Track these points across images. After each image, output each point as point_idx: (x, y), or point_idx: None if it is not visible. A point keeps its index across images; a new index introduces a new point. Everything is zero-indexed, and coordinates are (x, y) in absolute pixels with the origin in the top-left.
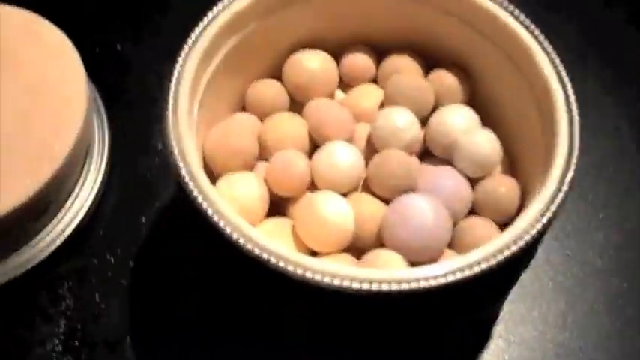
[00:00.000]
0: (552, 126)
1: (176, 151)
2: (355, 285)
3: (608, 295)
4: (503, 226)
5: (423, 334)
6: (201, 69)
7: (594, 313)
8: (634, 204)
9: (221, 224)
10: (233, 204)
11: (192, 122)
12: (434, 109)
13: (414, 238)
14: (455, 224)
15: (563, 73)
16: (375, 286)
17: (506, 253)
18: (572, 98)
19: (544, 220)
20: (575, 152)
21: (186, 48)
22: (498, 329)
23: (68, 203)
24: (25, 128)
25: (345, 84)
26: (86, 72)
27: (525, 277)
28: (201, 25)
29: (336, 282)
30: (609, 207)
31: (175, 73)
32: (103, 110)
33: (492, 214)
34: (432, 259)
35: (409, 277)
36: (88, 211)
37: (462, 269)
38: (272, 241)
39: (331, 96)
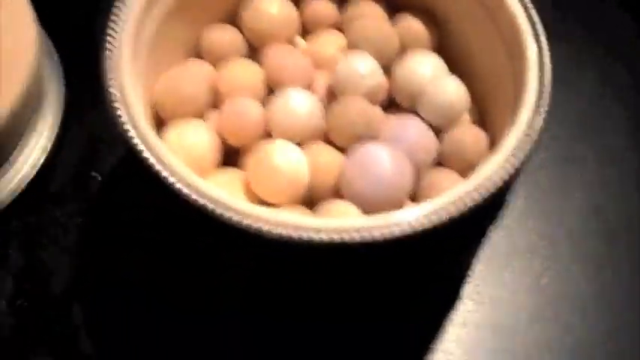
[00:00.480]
0: (522, 75)
1: (115, 96)
2: (306, 235)
3: (585, 256)
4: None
5: (383, 296)
6: (148, 11)
7: (570, 275)
8: (614, 162)
9: (164, 174)
10: (182, 153)
11: (139, 68)
12: (400, 57)
13: (372, 188)
14: (419, 175)
15: (536, 18)
16: (326, 236)
17: (469, 201)
18: (544, 43)
19: (510, 167)
20: (546, 98)
21: None
22: (467, 290)
23: (16, 157)
24: None
25: (305, 30)
26: (37, 17)
27: (496, 236)
28: None
29: (286, 232)
30: (588, 165)
31: (117, 15)
32: (56, 59)
33: (458, 166)
34: (392, 208)
35: (364, 226)
36: (37, 166)
37: (423, 217)
38: (219, 191)
39: (291, 43)
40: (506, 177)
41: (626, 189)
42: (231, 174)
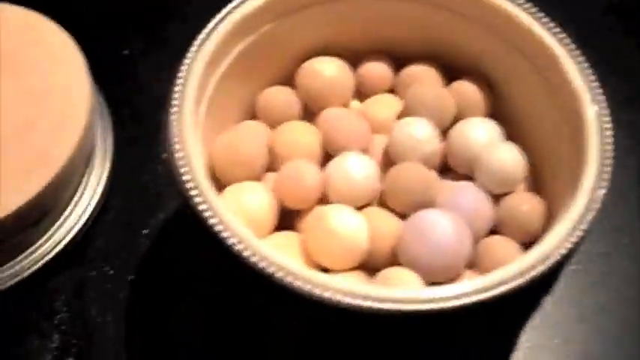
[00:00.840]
0: (582, 143)
1: (180, 155)
2: (366, 304)
3: (634, 325)
4: (526, 246)
5: None
6: (209, 72)
7: (619, 344)
8: None
9: (225, 234)
10: (240, 215)
11: (199, 128)
12: (455, 122)
13: (432, 256)
14: (475, 243)
15: (595, 84)
16: (387, 306)
17: (531, 274)
18: (605, 112)
19: (571, 240)
20: (608, 169)
21: (192, 50)
22: (517, 357)
23: (67, 211)
24: (25, 132)
25: (361, 94)
26: (91, 77)
27: (547, 303)
28: (209, 26)
29: (347, 300)
30: (636, 232)
31: (181, 76)
32: (107, 116)
33: (515, 234)
34: (450, 280)
35: (424, 298)
36: (87, 220)
37: (482, 290)
38: (279, 254)
39: (346, 105)
40: (570, 249)
41: None
42: (287, 237)
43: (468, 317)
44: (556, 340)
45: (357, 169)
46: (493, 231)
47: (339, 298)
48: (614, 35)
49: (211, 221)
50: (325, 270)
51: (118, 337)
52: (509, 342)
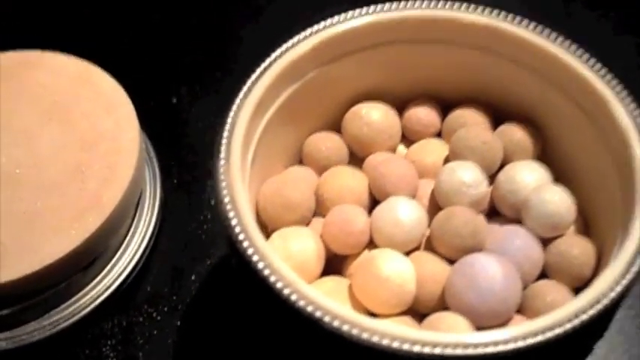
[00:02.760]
0: (632, 185)
1: (227, 200)
2: (416, 348)
3: None
4: (576, 291)
5: None
6: (256, 119)
7: None
8: None
9: (272, 279)
10: (287, 260)
11: (245, 174)
12: (502, 166)
13: (482, 301)
14: (524, 287)
15: None
16: (437, 350)
17: (581, 318)
18: None
19: (623, 282)
20: None
21: (239, 97)
22: None
23: (115, 257)
24: (75, 178)
25: (407, 139)
26: (140, 123)
27: (598, 348)
28: (255, 74)
29: (396, 344)
30: None
31: (228, 122)
32: (155, 163)
33: (565, 278)
34: (500, 325)
35: (474, 342)
36: (135, 265)
37: (531, 335)
38: (326, 299)
39: (393, 151)
40: (622, 292)
41: None
42: (334, 281)
43: None
44: None
45: (404, 213)
46: (542, 275)
47: (387, 342)
48: None
49: (259, 265)
50: (373, 315)
51: None
52: None
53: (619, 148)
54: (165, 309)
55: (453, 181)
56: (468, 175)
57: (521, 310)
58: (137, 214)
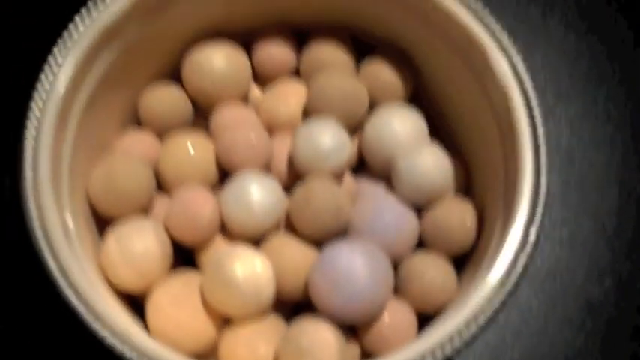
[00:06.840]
0: (513, 144)
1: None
2: None
3: None
4: (456, 259)
5: None
6: (74, 88)
7: None
8: None
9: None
10: (127, 266)
11: (62, 168)
12: (371, 107)
13: (348, 305)
14: (400, 262)
15: (528, 84)
16: None
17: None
18: (537, 112)
19: (507, 287)
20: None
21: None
22: None
23: None
24: None
25: (259, 79)
26: None
27: None
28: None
29: None
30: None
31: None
32: None
33: (444, 247)
34: (372, 319)
35: None
36: None
37: None
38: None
39: (244, 97)
40: (507, 295)
41: None
42: (183, 282)
43: None
44: None
45: (256, 197)
46: (420, 242)
47: None
48: None
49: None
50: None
51: None
52: None
53: (499, 100)
54: None
55: (311, 148)
56: (327, 141)
57: (397, 291)
58: None
